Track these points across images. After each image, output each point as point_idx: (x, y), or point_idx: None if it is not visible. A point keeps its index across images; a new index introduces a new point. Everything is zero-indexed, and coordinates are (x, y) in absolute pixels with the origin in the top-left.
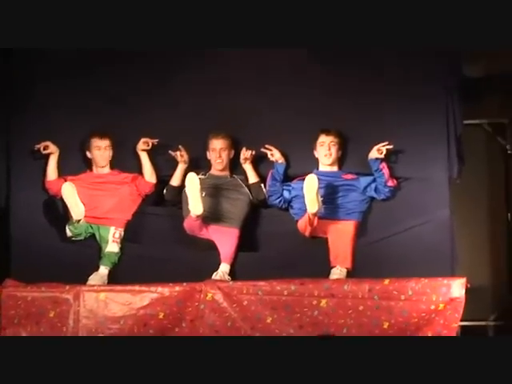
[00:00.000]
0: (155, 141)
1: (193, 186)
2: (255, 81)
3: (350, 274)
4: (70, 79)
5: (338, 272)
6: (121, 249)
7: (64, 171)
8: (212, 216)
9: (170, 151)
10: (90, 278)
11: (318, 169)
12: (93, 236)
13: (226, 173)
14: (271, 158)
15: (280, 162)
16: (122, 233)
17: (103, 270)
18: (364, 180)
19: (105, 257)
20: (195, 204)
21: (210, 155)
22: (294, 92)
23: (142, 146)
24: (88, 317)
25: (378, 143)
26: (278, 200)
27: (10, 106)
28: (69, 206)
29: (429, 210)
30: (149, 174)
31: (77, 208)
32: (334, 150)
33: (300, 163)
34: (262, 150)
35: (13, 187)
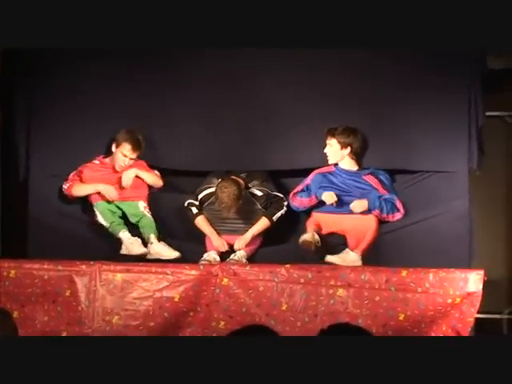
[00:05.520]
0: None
1: None
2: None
3: (367, 261)
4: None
5: (355, 257)
6: None
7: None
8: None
9: None
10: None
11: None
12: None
13: None
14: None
15: None
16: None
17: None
18: (373, 199)
19: (146, 227)
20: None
21: None
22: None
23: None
24: (104, 297)
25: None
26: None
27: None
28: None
29: (447, 201)
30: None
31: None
32: (329, 150)
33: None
34: None
35: (32, 162)
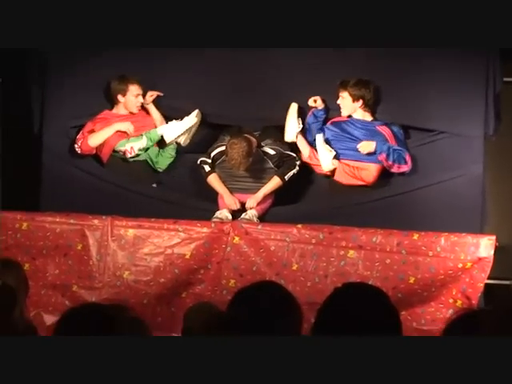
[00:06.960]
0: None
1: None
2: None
3: (378, 223)
4: None
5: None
6: None
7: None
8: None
9: None
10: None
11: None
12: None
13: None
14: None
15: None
16: None
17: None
18: (381, 143)
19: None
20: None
21: None
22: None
23: (150, 99)
24: (115, 252)
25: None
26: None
27: None
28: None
29: (462, 165)
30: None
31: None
32: (341, 102)
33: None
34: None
35: (46, 114)
